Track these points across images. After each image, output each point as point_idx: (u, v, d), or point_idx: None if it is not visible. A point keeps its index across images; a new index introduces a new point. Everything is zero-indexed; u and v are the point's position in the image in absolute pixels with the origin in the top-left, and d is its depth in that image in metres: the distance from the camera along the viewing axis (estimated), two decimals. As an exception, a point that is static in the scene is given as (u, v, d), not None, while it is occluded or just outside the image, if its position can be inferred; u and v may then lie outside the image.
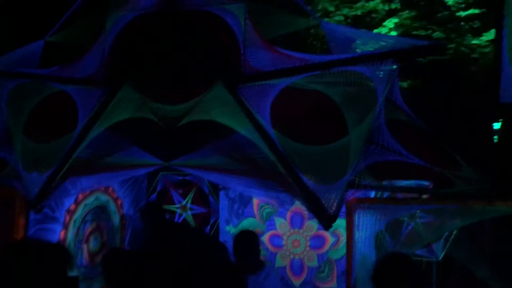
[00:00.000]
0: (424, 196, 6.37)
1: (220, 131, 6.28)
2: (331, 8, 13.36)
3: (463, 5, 13.29)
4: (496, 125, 8.87)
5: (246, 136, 5.91)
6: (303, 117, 6.36)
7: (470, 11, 13.07)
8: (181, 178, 10.24)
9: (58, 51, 6.94)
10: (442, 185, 5.88)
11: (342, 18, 13.27)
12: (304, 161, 5.43)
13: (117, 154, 6.77)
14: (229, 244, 6.79)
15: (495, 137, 8.49)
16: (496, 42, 5.79)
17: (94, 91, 5.46)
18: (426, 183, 7.16)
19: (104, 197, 9.18)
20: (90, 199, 8.78)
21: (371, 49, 6.07)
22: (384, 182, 6.52)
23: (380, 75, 5.59)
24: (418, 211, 6.04)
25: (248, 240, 6.90)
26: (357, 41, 6.34)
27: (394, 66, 5.39)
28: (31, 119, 6.27)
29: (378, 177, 6.00)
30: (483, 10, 12.85)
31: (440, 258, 6.82)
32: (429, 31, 13.19)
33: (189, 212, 10.41)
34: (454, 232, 6.52)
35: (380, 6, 13.46)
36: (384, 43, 5.86)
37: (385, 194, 7.01)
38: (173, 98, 5.95)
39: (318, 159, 5.56)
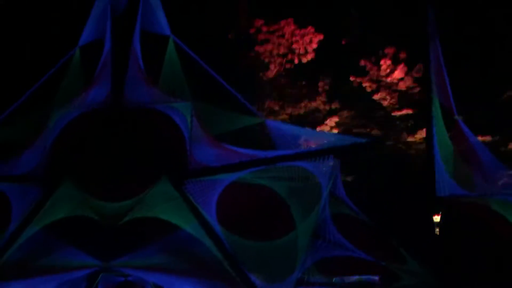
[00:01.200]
0: (374, 292, 6.31)
1: (163, 228, 6.09)
2: (276, 107, 14.04)
3: (397, 106, 14.39)
4: (437, 218, 9.23)
5: (191, 233, 5.76)
6: (250, 212, 6.33)
7: (404, 112, 14.16)
8: (123, 279, 9.63)
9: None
10: (389, 280, 5.88)
11: (286, 116, 13.94)
12: (251, 258, 5.32)
13: (53, 256, 6.33)
14: None
15: (437, 229, 8.79)
16: (427, 140, 6.25)
17: (31, 189, 5.25)
18: (375, 277, 7.13)
19: (35, 304, 8.38)
20: (20, 307, 7.98)
21: (314, 145, 6.33)
22: (334, 279, 6.43)
23: (323, 170, 5.79)
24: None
25: None
26: (300, 138, 6.62)
27: (333, 162, 5.63)
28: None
29: (327, 274, 5.94)
30: (416, 110, 13.95)
31: None
32: (368, 129, 14.04)
33: (130, 318, 9.66)
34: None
35: (322, 106, 14.31)
36: (325, 140, 6.16)
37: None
38: (116, 195, 5.80)
39: (265, 256, 5.47)
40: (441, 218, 7.23)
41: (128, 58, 6.29)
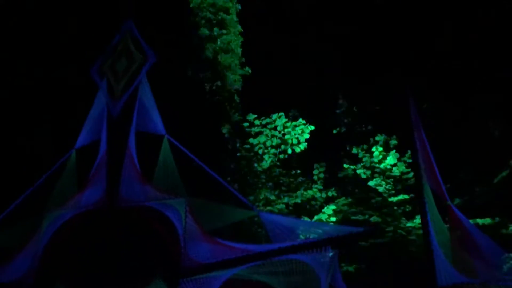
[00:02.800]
0: None
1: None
2: (273, 197, 14.03)
3: (393, 192, 14.39)
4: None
5: (187, 336, 5.49)
6: (248, 311, 6.09)
7: (400, 197, 14.12)
8: None
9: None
10: None
11: (283, 206, 13.88)
12: None
13: None
14: None
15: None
16: (423, 227, 6.19)
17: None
18: None
19: None
20: None
21: (311, 237, 6.25)
22: None
23: (322, 262, 5.65)
24: None
25: None
26: (296, 230, 6.54)
27: (331, 254, 5.52)
28: None
29: None
30: (411, 195, 13.93)
31: None
32: (366, 216, 13.91)
33: None
34: None
35: (318, 194, 14.34)
36: (321, 231, 6.09)
37: None
38: (109, 297, 5.60)
39: None
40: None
41: (123, 159, 6.41)
